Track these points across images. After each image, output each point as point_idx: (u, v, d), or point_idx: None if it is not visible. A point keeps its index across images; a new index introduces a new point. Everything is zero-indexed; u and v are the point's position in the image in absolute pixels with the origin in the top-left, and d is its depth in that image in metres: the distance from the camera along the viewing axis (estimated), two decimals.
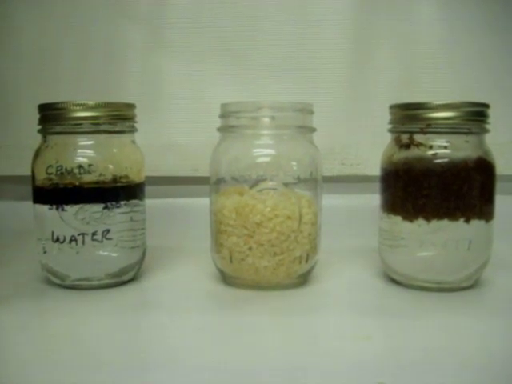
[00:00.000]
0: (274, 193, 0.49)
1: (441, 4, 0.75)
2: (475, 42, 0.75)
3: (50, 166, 0.49)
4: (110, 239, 0.49)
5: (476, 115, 0.48)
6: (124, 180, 0.50)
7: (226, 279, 0.52)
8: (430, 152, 0.48)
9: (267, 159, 0.50)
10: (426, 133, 0.48)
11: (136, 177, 0.51)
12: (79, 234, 0.49)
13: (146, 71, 0.76)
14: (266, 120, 0.50)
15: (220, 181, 0.51)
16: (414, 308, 0.47)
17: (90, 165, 0.48)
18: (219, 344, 0.40)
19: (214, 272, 0.54)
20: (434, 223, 0.48)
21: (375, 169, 0.54)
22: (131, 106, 0.52)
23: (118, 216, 0.49)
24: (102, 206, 0.49)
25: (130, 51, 0.76)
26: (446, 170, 0.48)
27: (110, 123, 0.50)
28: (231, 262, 0.50)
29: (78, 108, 0.48)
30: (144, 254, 0.54)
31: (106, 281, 0.51)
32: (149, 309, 0.48)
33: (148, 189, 0.54)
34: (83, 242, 0.49)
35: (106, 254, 0.50)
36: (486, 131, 0.49)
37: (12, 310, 0.46)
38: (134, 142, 0.53)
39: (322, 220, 0.53)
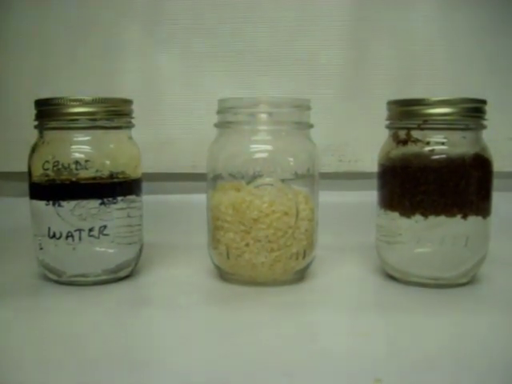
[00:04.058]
0: (271, 189, 0.49)
1: (438, 3, 0.75)
2: (472, 39, 0.75)
3: (47, 161, 0.48)
4: (106, 235, 0.49)
5: (473, 111, 0.48)
6: (121, 176, 0.50)
7: (223, 275, 0.52)
8: (428, 148, 0.48)
9: (264, 155, 0.49)
10: (423, 129, 0.48)
11: (133, 173, 0.51)
12: (76, 230, 0.48)
13: (143, 67, 0.76)
14: (264, 116, 0.50)
15: (217, 177, 0.51)
16: (410, 304, 0.47)
17: (86, 160, 0.48)
18: (216, 340, 0.40)
19: (211, 268, 0.54)
20: (432, 219, 0.48)
21: (372, 165, 0.54)
22: (128, 102, 0.52)
23: (114, 212, 0.49)
24: (99, 201, 0.49)
25: (128, 48, 0.75)
26: (444, 166, 0.47)
27: (106, 119, 0.49)
28: (228, 258, 0.50)
29: (74, 103, 0.48)
30: (141, 250, 0.54)
31: (103, 277, 0.50)
32: (145, 305, 0.48)
33: (145, 185, 0.54)
34: (80, 238, 0.49)
35: (102, 250, 0.50)
36: (483, 127, 0.49)
37: (8, 306, 0.46)
38: (130, 137, 0.53)
39: (319, 216, 0.53)
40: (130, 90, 0.72)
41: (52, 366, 0.36)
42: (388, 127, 0.52)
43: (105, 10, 0.75)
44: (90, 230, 0.49)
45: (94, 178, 0.49)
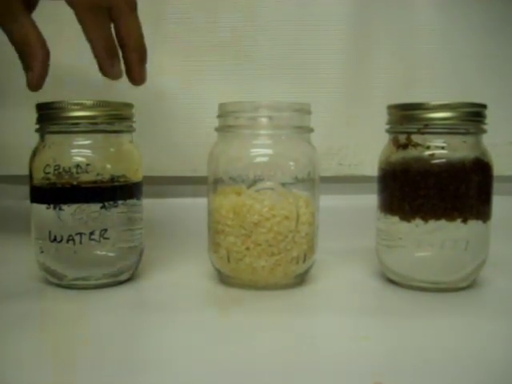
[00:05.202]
0: (272, 193, 0.49)
1: (439, 5, 0.75)
2: (473, 43, 0.75)
3: (48, 165, 0.48)
4: (107, 239, 0.49)
5: (473, 116, 0.49)
6: (122, 179, 0.50)
7: (224, 279, 0.52)
8: (428, 152, 0.48)
9: (265, 159, 0.50)
10: (423, 133, 0.48)
11: (134, 176, 0.51)
12: (77, 234, 0.48)
13: None
14: (264, 120, 0.50)
15: (218, 181, 0.51)
16: (411, 308, 0.47)
17: (87, 164, 0.48)
18: (216, 344, 0.40)
19: (212, 272, 0.54)
20: (432, 223, 0.48)
21: (373, 169, 0.54)
22: (129, 106, 0.52)
23: (115, 216, 0.49)
24: (100, 205, 0.49)
25: None
26: (444, 170, 0.48)
27: (107, 123, 0.50)
28: (228, 261, 0.50)
29: (75, 107, 0.48)
30: (141, 253, 0.54)
31: (104, 280, 0.50)
32: (146, 308, 0.48)
33: (146, 188, 0.54)
34: (81, 242, 0.49)
35: (103, 253, 0.50)
36: (483, 132, 0.50)
37: (9, 309, 0.46)
38: (131, 141, 0.53)
39: (320, 220, 0.53)
40: (131, 94, 0.72)
41: (53, 369, 0.36)
42: (388, 131, 0.52)
43: None
44: (91, 233, 0.49)
45: (95, 182, 0.49)
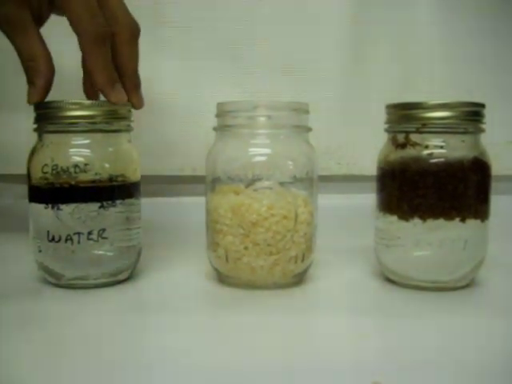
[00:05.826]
0: (270, 192, 0.49)
1: (438, 4, 0.75)
2: (472, 43, 0.75)
3: (46, 165, 0.48)
4: (105, 238, 0.49)
5: (472, 115, 0.49)
6: (120, 179, 0.50)
7: (222, 278, 0.52)
8: (426, 152, 0.48)
9: (263, 158, 0.49)
10: (421, 132, 0.48)
11: (132, 176, 0.51)
12: (75, 233, 0.48)
13: (142, 70, 0.76)
14: (262, 119, 0.50)
15: (216, 180, 0.51)
16: (409, 307, 0.47)
17: (85, 164, 0.48)
18: (215, 343, 0.40)
19: (210, 271, 0.54)
20: (430, 222, 0.48)
21: (371, 168, 0.54)
22: (127, 105, 0.52)
23: (113, 215, 0.49)
24: (98, 205, 0.49)
25: None
26: (442, 169, 0.48)
27: (106, 122, 0.49)
28: (227, 261, 0.50)
29: (73, 107, 0.48)
30: (140, 253, 0.54)
31: (102, 280, 0.50)
32: (144, 308, 0.48)
33: (144, 188, 0.54)
34: (79, 241, 0.49)
35: (101, 253, 0.50)
36: (481, 131, 0.50)
37: (7, 309, 0.46)
38: (130, 141, 0.53)
39: (318, 219, 0.53)
40: None
41: (52, 369, 0.36)
42: (387, 131, 0.52)
43: None
44: (89, 233, 0.49)
45: (93, 182, 0.49)
